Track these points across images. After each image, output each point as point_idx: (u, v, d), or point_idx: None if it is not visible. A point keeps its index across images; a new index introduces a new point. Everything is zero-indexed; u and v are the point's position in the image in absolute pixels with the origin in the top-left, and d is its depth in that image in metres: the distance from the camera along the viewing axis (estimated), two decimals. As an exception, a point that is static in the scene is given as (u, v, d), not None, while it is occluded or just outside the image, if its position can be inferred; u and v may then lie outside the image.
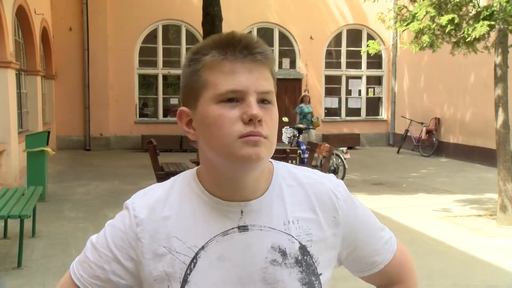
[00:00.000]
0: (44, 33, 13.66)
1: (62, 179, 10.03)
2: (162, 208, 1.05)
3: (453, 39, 7.18)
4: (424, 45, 7.06)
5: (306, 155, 10.08)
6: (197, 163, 1.70)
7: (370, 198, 8.57)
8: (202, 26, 10.26)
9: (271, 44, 16.73)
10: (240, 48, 0.98)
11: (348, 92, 17.40)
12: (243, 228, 1.03)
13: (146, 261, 1.03)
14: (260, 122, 0.97)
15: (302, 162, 10.11)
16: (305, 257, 1.05)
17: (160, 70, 16.16)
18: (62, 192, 8.80)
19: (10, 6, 9.33)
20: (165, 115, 16.31)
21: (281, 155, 9.01)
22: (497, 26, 6.65)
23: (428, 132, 14.65)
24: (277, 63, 16.81)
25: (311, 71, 16.88)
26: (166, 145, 14.33)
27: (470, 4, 6.84)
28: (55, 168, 11.12)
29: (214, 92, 0.98)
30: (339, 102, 17.26)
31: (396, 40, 9.80)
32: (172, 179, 1.11)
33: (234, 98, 0.97)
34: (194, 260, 1.01)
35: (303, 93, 13.63)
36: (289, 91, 16.71)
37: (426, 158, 14.27)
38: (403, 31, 7.51)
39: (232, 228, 1.03)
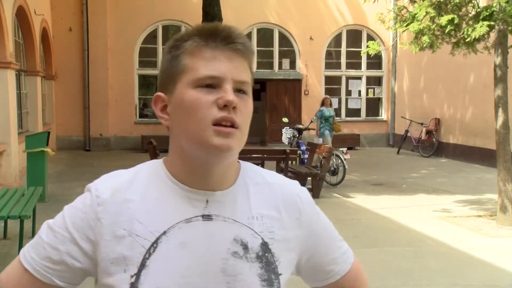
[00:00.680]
0: (44, 33, 13.66)
1: (62, 180, 10.03)
2: (126, 191, 1.04)
3: (453, 40, 7.19)
4: (424, 45, 7.07)
5: (306, 156, 10.07)
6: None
7: (370, 199, 8.58)
8: (202, 27, 10.26)
9: (271, 44, 16.75)
10: (222, 36, 1.00)
11: (348, 92, 17.41)
12: (207, 217, 1.02)
13: (105, 242, 0.99)
14: (235, 109, 0.98)
15: (302, 163, 10.10)
16: (266, 254, 1.04)
17: (160, 71, 16.17)
18: (62, 192, 8.79)
19: (10, 6, 9.33)
20: (165, 116, 16.29)
21: (281, 155, 9.00)
22: (496, 27, 6.66)
23: (428, 132, 14.64)
24: (277, 63, 16.84)
25: (311, 72, 16.88)
26: (166, 145, 13.50)
27: (470, 4, 6.85)
28: (55, 169, 11.12)
29: (192, 76, 0.99)
30: (339, 103, 17.22)
31: (396, 40, 9.81)
32: (137, 166, 1.12)
33: (211, 84, 0.98)
34: (154, 245, 0.99)
35: (323, 96, 12.66)
36: (289, 91, 16.73)
37: (426, 158, 14.28)
38: (403, 31, 7.52)
39: (196, 216, 1.02)
